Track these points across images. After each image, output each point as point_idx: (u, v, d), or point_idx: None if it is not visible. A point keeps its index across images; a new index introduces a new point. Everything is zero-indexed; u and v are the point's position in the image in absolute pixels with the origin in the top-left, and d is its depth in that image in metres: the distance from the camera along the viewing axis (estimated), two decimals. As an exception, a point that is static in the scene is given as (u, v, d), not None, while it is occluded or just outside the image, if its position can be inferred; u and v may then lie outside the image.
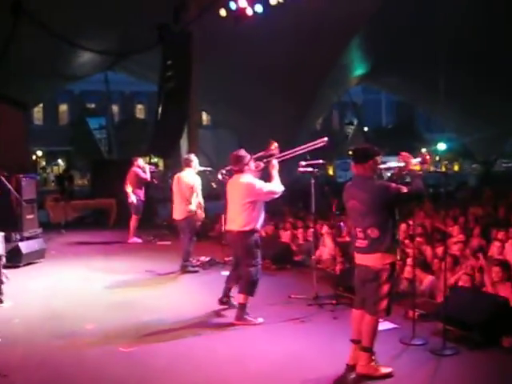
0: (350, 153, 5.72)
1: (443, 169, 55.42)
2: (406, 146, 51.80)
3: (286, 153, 7.67)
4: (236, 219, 7.31)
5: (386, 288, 5.51)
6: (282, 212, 15.57)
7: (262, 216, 7.39)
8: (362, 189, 5.54)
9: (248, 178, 7.25)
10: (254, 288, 7.37)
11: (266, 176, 7.51)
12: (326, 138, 7.62)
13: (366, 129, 51.73)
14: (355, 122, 53.26)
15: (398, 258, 5.68)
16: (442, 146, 49.15)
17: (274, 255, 11.24)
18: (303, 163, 8.14)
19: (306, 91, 23.75)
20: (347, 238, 10.85)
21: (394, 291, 5.68)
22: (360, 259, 5.64)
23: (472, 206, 14.81)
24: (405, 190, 5.40)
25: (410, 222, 9.88)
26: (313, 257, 9.02)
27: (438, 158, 56.93)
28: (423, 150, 56.97)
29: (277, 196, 7.28)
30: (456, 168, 62.92)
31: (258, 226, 7.36)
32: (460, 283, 7.95)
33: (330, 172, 49.31)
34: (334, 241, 10.69)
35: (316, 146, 7.66)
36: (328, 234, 11.57)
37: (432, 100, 32.71)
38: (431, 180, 19.81)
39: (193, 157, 10.96)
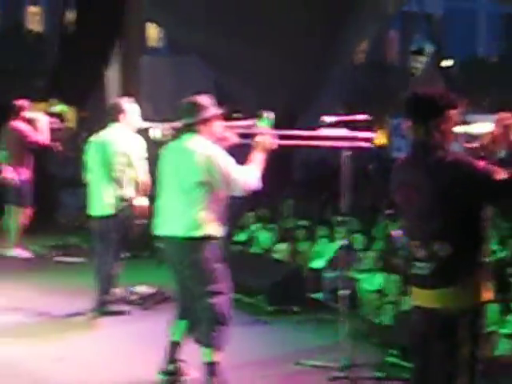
0: (405, 104, 4.53)
1: None
2: None
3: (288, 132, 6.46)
4: (179, 216, 5.90)
5: (465, 352, 4.38)
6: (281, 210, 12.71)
7: (224, 213, 6.08)
8: (422, 169, 4.38)
9: (205, 144, 5.84)
10: (224, 333, 5.99)
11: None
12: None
13: (447, 62, 35.93)
14: (429, 49, 36.48)
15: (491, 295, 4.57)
16: None
17: (271, 287, 8.68)
18: (330, 119, 6.51)
19: None
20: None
21: (480, 357, 4.45)
22: (420, 297, 4.49)
23: None
24: (503, 174, 4.18)
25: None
26: (341, 292, 7.00)
27: None
28: None
29: (247, 192, 5.99)
30: None
31: (219, 229, 5.97)
32: None
33: (381, 140, 40.96)
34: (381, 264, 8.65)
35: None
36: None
37: None
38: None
39: (127, 104, 8.42)
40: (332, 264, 9.53)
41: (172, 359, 6.33)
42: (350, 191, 6.82)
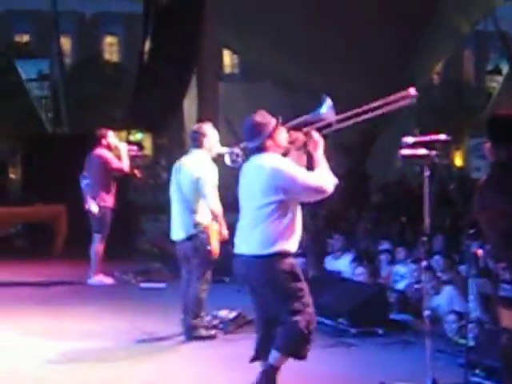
0: (488, 125, 4.52)
1: None
2: None
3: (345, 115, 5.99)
4: (250, 235, 5.76)
5: None
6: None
7: (299, 229, 5.82)
8: (504, 192, 4.38)
9: (273, 159, 5.71)
10: (303, 346, 5.77)
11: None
12: (411, 90, 5.81)
13: None
14: (505, 67, 35.36)
15: None
16: None
17: (353, 309, 8.37)
18: (409, 140, 6.32)
19: (414, 15, 17.90)
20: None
21: None
22: (508, 319, 4.43)
23: None
24: None
25: None
26: (426, 312, 6.69)
27: None
28: None
29: (326, 194, 5.75)
30: None
31: (293, 245, 5.77)
32: None
33: (458, 161, 36.31)
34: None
35: (395, 104, 5.85)
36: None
37: None
38: None
39: (207, 128, 8.11)
40: (414, 285, 9.36)
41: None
42: (431, 212, 6.60)
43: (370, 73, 16.28)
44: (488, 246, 5.23)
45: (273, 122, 5.80)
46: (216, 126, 8.79)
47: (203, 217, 8.04)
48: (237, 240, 5.94)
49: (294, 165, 5.76)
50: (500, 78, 35.23)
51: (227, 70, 36.82)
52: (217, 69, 15.74)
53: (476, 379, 6.38)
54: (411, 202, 10.04)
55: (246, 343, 7.58)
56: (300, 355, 5.79)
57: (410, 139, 6.38)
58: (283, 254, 5.75)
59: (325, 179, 5.75)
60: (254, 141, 5.84)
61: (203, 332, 8.14)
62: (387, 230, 12.46)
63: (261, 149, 5.83)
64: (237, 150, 6.65)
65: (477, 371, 6.44)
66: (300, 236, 5.90)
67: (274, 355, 5.83)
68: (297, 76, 18.32)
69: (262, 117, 5.83)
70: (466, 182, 18.78)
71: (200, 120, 11.47)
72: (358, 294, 8.65)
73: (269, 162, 5.74)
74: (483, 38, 36.99)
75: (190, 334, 8.10)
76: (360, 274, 9.51)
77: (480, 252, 8.71)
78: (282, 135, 5.87)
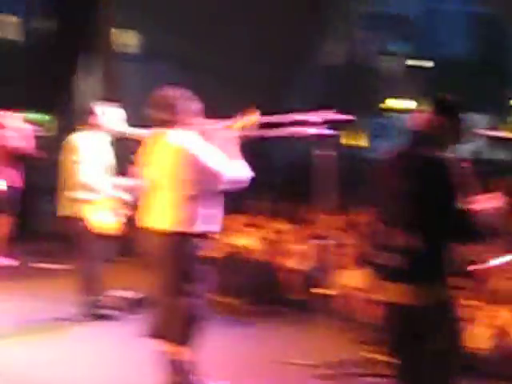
0: (432, 100, 4.60)
1: None
2: (498, 98, 38.90)
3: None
4: (158, 209, 5.68)
5: (442, 345, 4.44)
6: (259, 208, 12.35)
7: (215, 212, 5.74)
8: (415, 161, 4.48)
9: (185, 136, 5.61)
10: (190, 332, 5.73)
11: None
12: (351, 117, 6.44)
13: (426, 63, 34.17)
14: (402, 50, 36.35)
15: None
16: None
17: (252, 287, 8.65)
18: (314, 119, 6.20)
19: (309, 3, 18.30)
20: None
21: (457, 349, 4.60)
22: (396, 293, 4.49)
23: None
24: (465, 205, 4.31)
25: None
26: (321, 290, 7.54)
27: None
28: None
29: (239, 185, 5.75)
30: None
31: (203, 227, 5.66)
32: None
33: (351, 141, 34.22)
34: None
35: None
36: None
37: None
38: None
39: (99, 107, 8.29)
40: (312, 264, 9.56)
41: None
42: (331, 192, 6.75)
43: (262, 52, 16.94)
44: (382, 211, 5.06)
45: (189, 101, 5.79)
46: (119, 104, 8.81)
47: (94, 194, 8.06)
48: (142, 215, 5.85)
49: (206, 147, 5.68)
50: (399, 60, 36.03)
51: (130, 49, 36.65)
52: (116, 49, 15.78)
53: (370, 355, 6.53)
54: (306, 182, 10.09)
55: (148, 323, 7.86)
56: (185, 344, 5.77)
57: (313, 117, 6.32)
58: (190, 235, 5.69)
59: (240, 170, 5.76)
60: (165, 113, 5.80)
61: (103, 311, 8.16)
62: (284, 209, 12.76)
63: (170, 123, 5.77)
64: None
65: (369, 347, 6.60)
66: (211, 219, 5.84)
67: (169, 349, 5.80)
68: (198, 57, 18.58)
69: (179, 93, 5.81)
70: (359, 161, 19.29)
71: (104, 99, 11.23)
72: (258, 273, 8.81)
73: (180, 139, 5.69)
74: (383, 19, 36.40)
75: (90, 313, 8.10)
76: (260, 251, 9.52)
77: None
78: (194, 118, 5.86)
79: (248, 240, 10.60)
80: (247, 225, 11.18)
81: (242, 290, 8.66)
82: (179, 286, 5.72)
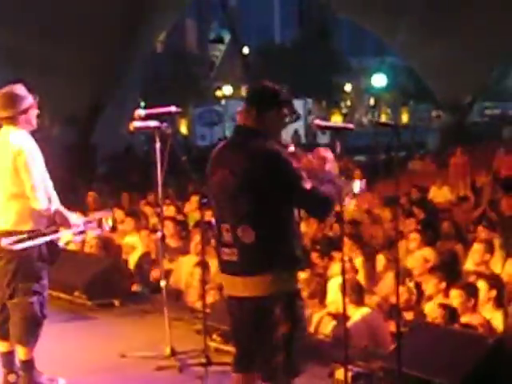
0: (247, 90, 4.80)
1: (384, 119, 36.82)
2: (316, 79, 38.29)
3: None
4: (3, 210, 5.58)
5: (279, 334, 4.43)
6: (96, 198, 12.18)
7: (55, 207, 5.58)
8: (242, 153, 4.37)
9: (20, 137, 5.50)
10: (37, 332, 5.63)
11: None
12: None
13: (245, 50, 33.60)
14: (227, 37, 35.93)
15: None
16: (379, 81, 31.58)
17: (89, 282, 8.22)
18: (141, 113, 6.30)
19: None
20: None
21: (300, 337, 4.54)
22: (232, 286, 4.47)
23: (435, 182, 12.90)
24: (308, 185, 4.32)
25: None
26: (161, 282, 6.79)
27: (372, 102, 41.46)
28: (347, 88, 40.53)
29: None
30: (404, 118, 42.74)
31: (43, 223, 5.56)
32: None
33: (183, 129, 34.19)
34: (198, 251, 7.99)
35: None
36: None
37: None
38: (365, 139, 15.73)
39: None
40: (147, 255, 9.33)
41: (11, 370, 5.96)
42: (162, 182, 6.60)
43: (91, 40, 16.52)
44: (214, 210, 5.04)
45: (29, 98, 5.61)
46: None
47: None
48: None
49: (34, 145, 5.56)
50: (222, 47, 36.37)
51: None
52: None
53: (213, 344, 6.56)
54: (137, 172, 10.01)
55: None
56: (31, 340, 5.64)
57: (141, 112, 6.34)
58: (33, 232, 5.57)
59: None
60: (7, 111, 5.59)
61: None
62: (117, 201, 12.41)
63: (12, 122, 5.60)
64: None
65: (214, 336, 6.61)
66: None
67: (19, 351, 5.66)
68: (17, 45, 17.71)
69: (21, 90, 5.60)
70: (191, 150, 19.15)
71: None
72: (93, 266, 8.53)
73: (16, 140, 5.52)
74: (205, 6, 37.34)
75: None
76: (92, 244, 9.33)
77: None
78: (34, 117, 5.69)
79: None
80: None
81: (80, 284, 8.32)
82: (29, 284, 5.56)
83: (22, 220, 5.56)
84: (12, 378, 5.87)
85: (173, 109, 6.49)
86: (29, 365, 5.69)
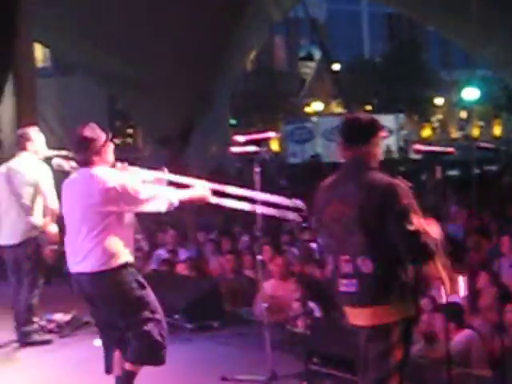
0: (341, 128, 4.58)
1: (476, 133, 37.19)
2: (407, 93, 38.48)
3: None
4: (87, 251, 5.44)
5: (396, 358, 4.40)
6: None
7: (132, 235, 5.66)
8: (354, 185, 4.37)
9: (102, 172, 5.49)
10: (159, 353, 5.65)
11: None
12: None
13: (336, 66, 31.54)
14: (316, 54, 34.12)
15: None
16: (470, 94, 30.14)
17: (188, 305, 8.17)
18: (240, 139, 6.29)
19: (228, 7, 17.39)
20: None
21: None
22: (352, 315, 4.49)
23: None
24: (413, 226, 4.18)
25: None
26: (262, 304, 6.79)
27: (465, 116, 40.33)
28: (439, 102, 39.75)
29: (162, 208, 5.59)
30: (497, 130, 41.55)
31: (130, 255, 5.52)
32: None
33: (274, 146, 33.34)
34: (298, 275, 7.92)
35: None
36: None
37: (454, 9, 24.27)
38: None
39: (32, 133, 7.92)
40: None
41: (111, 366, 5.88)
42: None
43: (185, 62, 16.31)
44: (325, 239, 5.07)
45: (102, 137, 5.63)
46: (35, 124, 8.57)
47: (40, 219, 7.75)
48: (71, 258, 5.68)
49: (123, 176, 5.63)
50: (312, 64, 35.77)
51: (39, 64, 35.05)
52: (32, 65, 14.49)
53: (314, 367, 6.42)
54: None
55: (82, 346, 7.64)
56: (158, 362, 5.68)
57: (240, 138, 6.36)
58: (125, 265, 5.59)
59: (164, 195, 5.63)
60: (81, 154, 5.65)
61: (37, 337, 7.85)
62: (212, 220, 12.27)
63: (87, 163, 5.64)
64: (61, 161, 6.55)
65: (314, 359, 6.48)
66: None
67: (129, 367, 5.66)
68: (112, 68, 17.83)
69: (92, 131, 5.62)
70: (284, 168, 18.94)
71: (19, 119, 11.06)
72: (191, 288, 8.49)
73: (98, 176, 5.55)
74: (293, 24, 36.89)
75: (24, 340, 7.77)
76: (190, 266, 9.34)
77: (314, 246, 8.72)
78: (110, 151, 5.71)
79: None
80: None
81: (180, 307, 8.24)
82: (139, 315, 5.56)
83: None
84: None
85: (271, 134, 6.59)
86: (130, 376, 5.71)
